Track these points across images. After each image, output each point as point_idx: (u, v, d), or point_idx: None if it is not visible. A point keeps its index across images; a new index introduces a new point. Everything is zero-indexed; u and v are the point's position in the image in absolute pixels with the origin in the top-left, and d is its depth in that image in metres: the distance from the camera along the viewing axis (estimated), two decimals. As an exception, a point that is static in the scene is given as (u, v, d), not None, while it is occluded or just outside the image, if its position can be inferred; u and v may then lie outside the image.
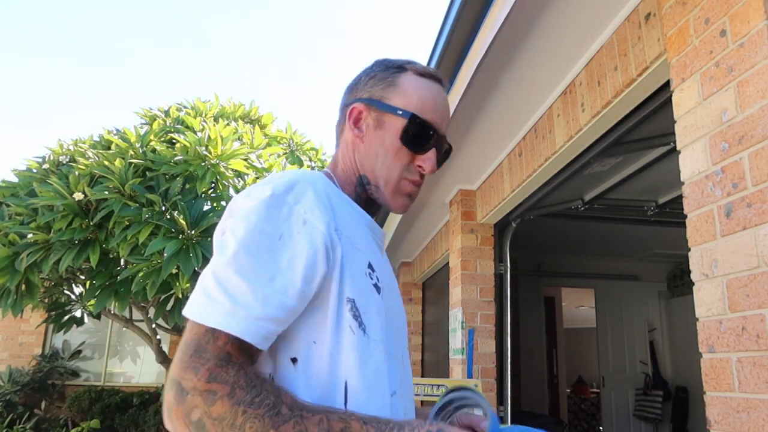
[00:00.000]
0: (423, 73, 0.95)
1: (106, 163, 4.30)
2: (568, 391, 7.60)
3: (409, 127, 0.90)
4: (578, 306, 10.26)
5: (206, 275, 0.73)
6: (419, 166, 0.92)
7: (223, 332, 0.68)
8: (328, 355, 0.77)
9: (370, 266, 0.84)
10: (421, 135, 0.91)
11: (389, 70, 0.95)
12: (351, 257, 0.80)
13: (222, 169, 4.44)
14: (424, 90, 0.93)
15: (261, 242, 0.73)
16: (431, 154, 0.92)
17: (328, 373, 0.77)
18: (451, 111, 2.77)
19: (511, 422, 4.30)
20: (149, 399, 7.97)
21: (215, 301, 0.70)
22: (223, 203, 4.46)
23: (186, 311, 0.71)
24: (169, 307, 4.65)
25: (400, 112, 0.90)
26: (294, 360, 0.77)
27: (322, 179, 0.86)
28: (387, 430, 0.69)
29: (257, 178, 4.69)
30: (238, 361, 0.68)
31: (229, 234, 0.76)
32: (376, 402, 0.78)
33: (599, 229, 5.11)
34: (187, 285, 4.15)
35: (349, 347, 0.77)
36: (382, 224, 4.81)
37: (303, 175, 0.82)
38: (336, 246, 0.78)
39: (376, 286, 0.83)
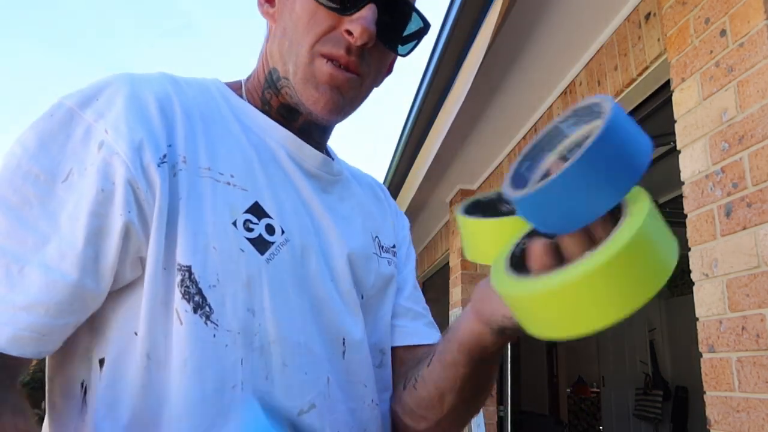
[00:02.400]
0: None
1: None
2: (568, 391, 7.59)
3: None
4: (578, 306, 10.26)
5: None
6: (346, 32, 0.58)
7: None
8: (143, 355, 0.51)
9: (255, 210, 0.56)
10: None
11: None
12: (199, 197, 0.53)
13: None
14: None
15: (26, 189, 0.49)
16: (366, 12, 0.58)
17: (143, 386, 0.51)
18: (452, 112, 2.77)
19: (512, 424, 4.27)
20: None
21: None
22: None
23: None
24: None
25: None
26: (102, 362, 0.52)
27: (180, 83, 0.60)
28: None
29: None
30: None
31: None
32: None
33: (599, 229, 5.11)
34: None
35: (177, 343, 0.51)
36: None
37: (123, 75, 0.56)
38: (153, 180, 0.51)
39: (258, 240, 0.55)
